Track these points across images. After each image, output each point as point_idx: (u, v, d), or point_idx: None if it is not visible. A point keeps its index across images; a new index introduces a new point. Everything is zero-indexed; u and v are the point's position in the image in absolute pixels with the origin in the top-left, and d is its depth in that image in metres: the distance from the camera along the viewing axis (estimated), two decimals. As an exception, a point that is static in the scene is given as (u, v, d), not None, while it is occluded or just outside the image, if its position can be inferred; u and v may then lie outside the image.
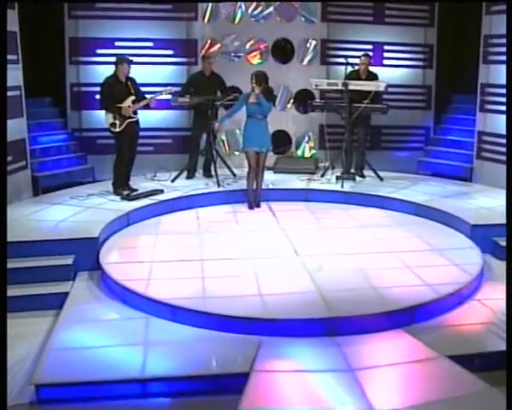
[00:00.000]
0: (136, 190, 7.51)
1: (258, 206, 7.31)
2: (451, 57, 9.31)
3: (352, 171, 8.13)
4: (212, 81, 8.04)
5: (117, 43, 8.50)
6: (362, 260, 5.61)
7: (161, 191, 7.54)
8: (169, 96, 7.76)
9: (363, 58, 8.06)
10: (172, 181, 8.07)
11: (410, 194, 7.56)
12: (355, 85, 7.61)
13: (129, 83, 7.27)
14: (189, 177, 8.28)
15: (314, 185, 8.05)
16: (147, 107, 7.40)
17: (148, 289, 4.90)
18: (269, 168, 8.00)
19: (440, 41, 9.35)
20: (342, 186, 7.74)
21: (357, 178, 8.13)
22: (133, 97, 7.22)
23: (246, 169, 8.18)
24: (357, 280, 5.11)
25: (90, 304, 4.97)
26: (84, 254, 5.58)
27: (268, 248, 5.96)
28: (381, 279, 5.09)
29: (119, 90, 7.20)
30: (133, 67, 7.30)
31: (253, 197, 7.24)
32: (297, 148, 9.43)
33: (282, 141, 9.20)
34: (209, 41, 8.97)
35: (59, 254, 5.48)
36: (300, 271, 5.32)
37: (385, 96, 8.09)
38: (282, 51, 9.08)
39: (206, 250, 5.90)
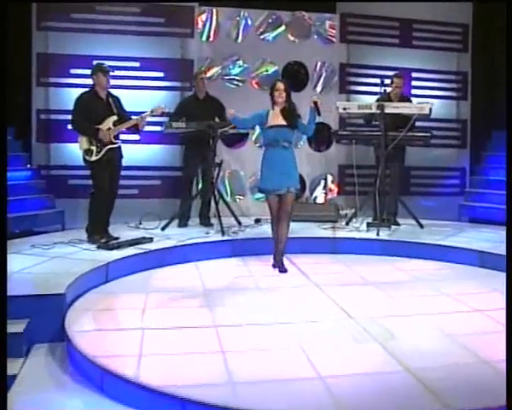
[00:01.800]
0: (117, 238, 5.95)
1: (281, 267, 5.42)
2: (488, 87, 8.19)
3: (385, 217, 6.64)
4: (208, 105, 6.72)
5: (95, 62, 6.88)
6: (444, 323, 4.01)
7: (150, 240, 5.95)
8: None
9: (396, 80, 6.79)
10: (162, 229, 6.55)
11: (465, 241, 6.12)
12: (393, 108, 6.14)
13: (110, 100, 5.81)
14: (182, 225, 6.82)
15: (341, 234, 6.56)
16: (134, 130, 5.94)
17: (139, 371, 3.14)
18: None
19: (476, 68, 8.24)
20: (378, 234, 6.28)
21: (392, 226, 6.68)
22: (115, 118, 5.79)
23: (253, 217, 7.03)
24: (453, 351, 3.46)
25: (48, 394, 3.22)
26: (42, 318, 3.88)
27: (307, 311, 4.33)
28: (488, 349, 3.42)
29: (97, 107, 5.75)
30: (114, 92, 6.01)
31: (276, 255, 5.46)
32: (312, 192, 8.06)
33: None
34: (207, 62, 7.72)
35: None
36: (365, 339, 3.61)
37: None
38: (294, 77, 7.82)
39: (219, 313, 4.23)
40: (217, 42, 7.65)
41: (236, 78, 7.74)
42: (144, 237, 5.99)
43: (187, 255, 5.88)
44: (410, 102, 6.90)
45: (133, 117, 5.94)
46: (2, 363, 2.88)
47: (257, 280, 5.25)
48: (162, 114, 6.21)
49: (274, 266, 5.45)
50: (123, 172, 6.44)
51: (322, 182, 8.05)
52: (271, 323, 4.01)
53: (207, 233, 6.41)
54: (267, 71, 7.79)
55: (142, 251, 5.62)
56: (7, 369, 3.04)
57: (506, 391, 2.72)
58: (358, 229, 6.65)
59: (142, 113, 5.98)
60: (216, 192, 6.60)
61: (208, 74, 7.54)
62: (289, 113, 5.18)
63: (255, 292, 4.88)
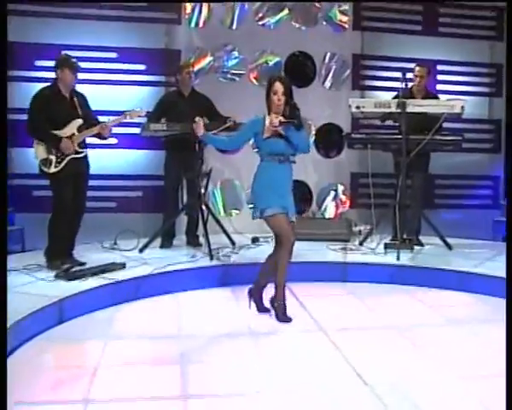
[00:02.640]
0: (83, 263, 5.18)
1: (282, 316, 4.32)
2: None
3: (406, 236, 5.88)
4: (195, 103, 5.93)
5: (63, 53, 6.18)
6: (491, 392, 3.07)
7: (122, 266, 5.16)
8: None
9: (418, 69, 5.99)
10: (140, 251, 5.79)
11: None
12: (417, 106, 5.34)
13: (75, 99, 5.06)
14: (165, 245, 6.10)
15: (353, 257, 5.74)
16: (99, 136, 5.20)
17: None
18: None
19: (512, 60, 7.30)
20: (398, 257, 5.47)
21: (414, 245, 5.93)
22: (80, 121, 5.04)
23: (249, 235, 6.30)
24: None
25: None
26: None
27: (307, 372, 3.44)
28: None
29: (59, 107, 5.01)
30: (87, 88, 5.53)
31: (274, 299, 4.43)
32: (320, 205, 7.31)
33: (299, 196, 6.85)
34: (197, 52, 6.98)
35: None
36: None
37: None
38: (299, 70, 7.16)
39: (194, 376, 3.37)
40: (208, 29, 6.92)
41: (231, 71, 7.04)
42: (114, 263, 5.21)
43: (166, 285, 5.10)
44: (437, 98, 6.12)
45: (103, 120, 5.22)
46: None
47: (250, 321, 4.40)
48: (138, 116, 5.38)
49: (272, 303, 4.50)
50: (98, 183, 5.99)
51: (332, 193, 7.34)
52: (263, 390, 3.12)
53: (193, 257, 5.61)
54: (267, 63, 7.09)
55: (110, 281, 4.79)
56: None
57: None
58: (374, 251, 5.84)
59: (120, 113, 5.28)
60: (204, 207, 5.79)
61: (198, 67, 6.82)
62: (290, 118, 4.21)
63: (246, 340, 4.03)
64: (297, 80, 6.88)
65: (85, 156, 5.18)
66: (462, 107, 5.47)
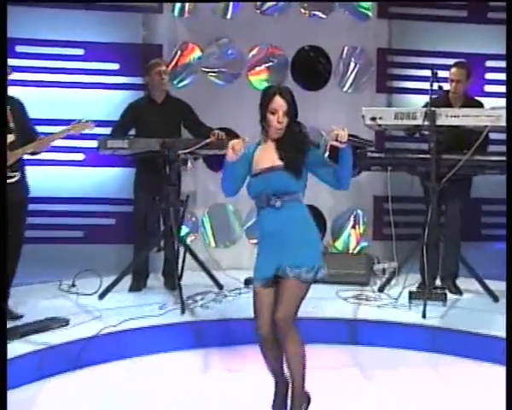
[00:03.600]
0: (19, 316, 4.71)
1: None
2: None
3: (439, 283, 5.41)
4: (170, 112, 5.53)
5: (19, 49, 6.24)
6: None
7: (64, 323, 4.58)
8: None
9: (454, 71, 5.45)
10: (100, 297, 5.28)
11: None
12: (451, 117, 4.86)
13: (9, 108, 4.52)
14: (135, 288, 5.62)
15: (367, 311, 5.11)
16: (34, 154, 4.78)
17: None
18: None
19: None
20: (424, 315, 4.82)
21: (449, 294, 5.34)
22: (12, 138, 4.52)
23: (243, 273, 5.69)
24: None
25: None
26: None
27: None
28: None
29: None
30: (45, 92, 5.88)
31: None
32: (336, 237, 6.81)
33: None
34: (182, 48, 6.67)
35: None
36: None
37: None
38: (310, 69, 6.80)
39: None
40: (196, 19, 6.61)
41: (226, 71, 6.67)
42: (55, 319, 4.63)
43: (118, 349, 4.52)
44: (481, 106, 5.47)
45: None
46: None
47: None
48: (87, 129, 4.94)
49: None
50: (61, 207, 6.10)
51: (351, 221, 6.87)
52: None
53: (162, 307, 5.01)
54: (271, 61, 6.74)
55: (42, 347, 4.19)
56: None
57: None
58: (396, 301, 5.21)
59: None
60: (176, 243, 5.26)
61: (184, 65, 6.55)
62: (290, 145, 3.40)
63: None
64: (307, 82, 6.71)
65: (20, 180, 4.64)
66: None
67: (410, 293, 5.13)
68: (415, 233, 5.51)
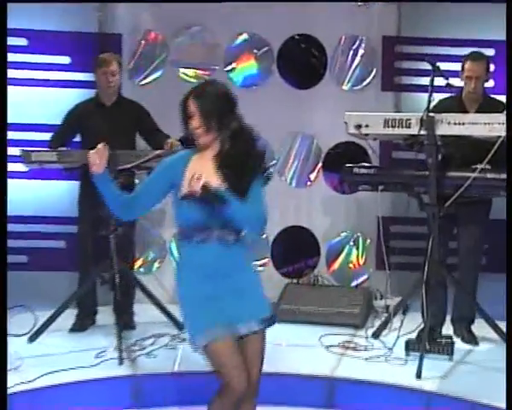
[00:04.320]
0: None
1: None
2: None
3: (445, 333, 4.96)
4: (121, 117, 5.28)
5: None
6: None
7: None
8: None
9: (470, 64, 4.99)
10: (31, 339, 4.97)
11: None
12: (454, 125, 4.39)
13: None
14: (78, 327, 5.36)
15: (352, 365, 4.67)
16: None
17: None
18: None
19: None
20: (419, 374, 4.33)
21: (461, 343, 5.03)
22: None
23: None
24: None
25: None
26: None
27: None
28: None
29: None
30: None
31: None
32: (330, 265, 6.50)
33: (298, 250, 6.61)
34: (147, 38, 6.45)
35: None
36: None
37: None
38: (301, 62, 6.50)
39: None
40: (163, 4, 6.31)
41: (198, 65, 6.37)
42: None
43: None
44: (505, 108, 4.86)
45: None
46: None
47: None
48: None
49: None
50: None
51: (349, 247, 6.53)
52: None
53: (98, 356, 4.60)
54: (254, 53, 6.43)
55: None
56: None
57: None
58: (390, 352, 4.78)
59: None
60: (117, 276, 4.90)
61: (148, 58, 6.24)
62: (234, 161, 3.09)
63: None
64: (298, 78, 6.46)
65: None
66: None
67: (407, 343, 4.66)
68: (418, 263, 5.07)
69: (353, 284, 6.40)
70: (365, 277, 6.39)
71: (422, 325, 4.78)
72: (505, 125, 4.23)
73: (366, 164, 5.04)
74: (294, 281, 6.23)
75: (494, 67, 5.83)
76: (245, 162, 3.03)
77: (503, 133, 4.22)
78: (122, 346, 4.62)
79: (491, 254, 6.01)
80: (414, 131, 4.40)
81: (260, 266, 5.98)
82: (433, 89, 4.52)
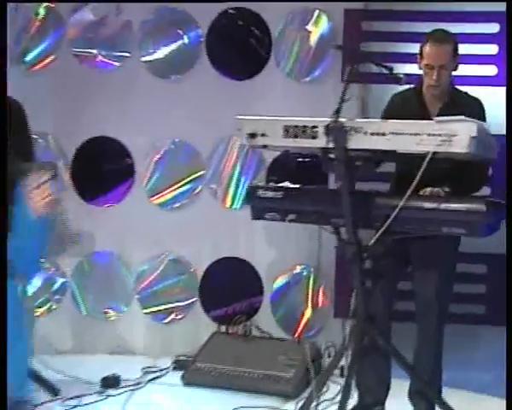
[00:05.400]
0: None
1: None
2: None
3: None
4: None
5: None
6: None
7: None
8: None
9: (430, 47, 4.42)
10: None
11: None
12: (371, 135, 3.84)
13: None
14: None
15: None
16: None
17: None
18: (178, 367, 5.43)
19: None
20: None
21: None
22: None
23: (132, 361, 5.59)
24: None
25: None
26: None
27: None
28: None
29: None
30: None
31: None
32: (273, 310, 5.98)
33: (233, 288, 6.13)
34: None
35: None
36: None
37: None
38: (237, 45, 5.99)
39: None
40: None
41: (102, 51, 5.93)
42: None
43: None
44: (478, 107, 4.36)
45: None
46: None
47: None
48: None
49: None
50: None
51: (300, 286, 5.95)
52: None
53: None
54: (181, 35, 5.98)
55: None
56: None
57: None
58: None
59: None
60: None
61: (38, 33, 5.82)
62: None
63: None
64: (233, 64, 6.00)
65: None
66: (473, 138, 3.47)
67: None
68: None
69: (304, 335, 5.73)
70: (319, 326, 5.73)
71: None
72: (441, 138, 3.49)
73: (278, 184, 4.39)
74: (223, 329, 5.67)
75: (498, 48, 5.37)
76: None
77: (436, 148, 3.49)
78: None
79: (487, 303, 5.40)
80: (321, 142, 3.71)
81: (185, 307, 5.58)
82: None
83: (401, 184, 4.13)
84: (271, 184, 4.43)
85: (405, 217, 3.77)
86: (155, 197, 5.74)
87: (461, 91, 4.44)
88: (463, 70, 5.02)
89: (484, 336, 5.49)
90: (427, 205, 3.73)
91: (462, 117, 3.51)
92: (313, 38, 5.76)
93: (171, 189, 5.74)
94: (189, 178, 5.67)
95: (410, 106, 4.36)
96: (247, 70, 5.81)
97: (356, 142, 3.64)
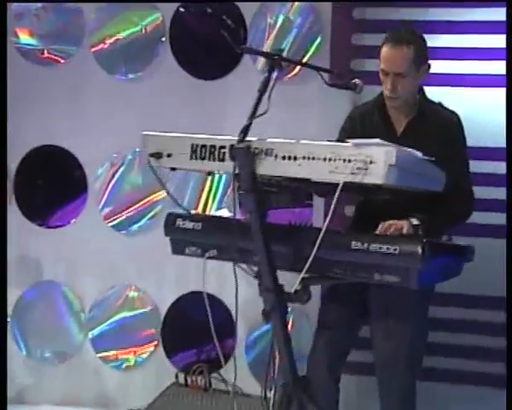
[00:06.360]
0: None
1: None
2: None
3: None
4: None
5: None
6: None
7: None
8: None
9: (386, 50, 4.15)
10: None
11: None
12: (283, 159, 3.63)
13: None
14: None
15: None
16: None
17: None
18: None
19: None
20: None
21: None
22: None
23: None
24: None
25: None
26: None
27: None
28: None
29: None
30: None
31: None
32: (249, 352, 5.88)
33: (200, 330, 5.62)
34: None
35: None
36: None
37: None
38: (206, 39, 5.84)
39: None
40: None
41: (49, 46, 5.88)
42: None
43: None
44: (452, 126, 4.17)
45: None
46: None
47: None
48: None
49: None
50: None
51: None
52: None
53: None
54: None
55: None
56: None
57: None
58: None
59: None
60: None
61: None
62: None
63: None
64: (201, 62, 5.88)
65: None
66: (391, 166, 3.18)
67: None
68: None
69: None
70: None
71: None
72: (357, 165, 3.12)
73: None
74: (182, 380, 5.47)
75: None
76: None
77: (349, 177, 3.12)
78: None
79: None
80: (229, 166, 3.40)
81: (144, 351, 5.47)
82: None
83: (361, 214, 3.97)
84: (193, 213, 4.21)
85: (331, 260, 3.46)
86: (111, 219, 5.61)
87: (434, 103, 4.14)
88: (468, 68, 4.83)
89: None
90: (355, 245, 3.37)
91: (378, 140, 3.18)
92: (294, 30, 5.52)
93: (129, 209, 5.57)
94: (150, 197, 5.48)
95: (371, 122, 4.11)
96: (216, 68, 5.65)
97: (265, 167, 3.33)
